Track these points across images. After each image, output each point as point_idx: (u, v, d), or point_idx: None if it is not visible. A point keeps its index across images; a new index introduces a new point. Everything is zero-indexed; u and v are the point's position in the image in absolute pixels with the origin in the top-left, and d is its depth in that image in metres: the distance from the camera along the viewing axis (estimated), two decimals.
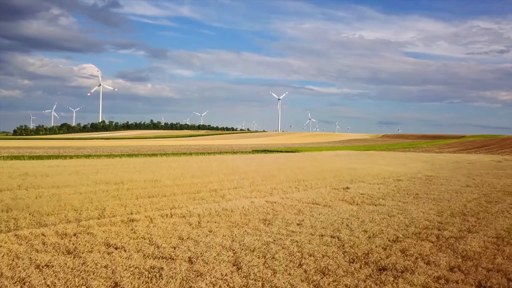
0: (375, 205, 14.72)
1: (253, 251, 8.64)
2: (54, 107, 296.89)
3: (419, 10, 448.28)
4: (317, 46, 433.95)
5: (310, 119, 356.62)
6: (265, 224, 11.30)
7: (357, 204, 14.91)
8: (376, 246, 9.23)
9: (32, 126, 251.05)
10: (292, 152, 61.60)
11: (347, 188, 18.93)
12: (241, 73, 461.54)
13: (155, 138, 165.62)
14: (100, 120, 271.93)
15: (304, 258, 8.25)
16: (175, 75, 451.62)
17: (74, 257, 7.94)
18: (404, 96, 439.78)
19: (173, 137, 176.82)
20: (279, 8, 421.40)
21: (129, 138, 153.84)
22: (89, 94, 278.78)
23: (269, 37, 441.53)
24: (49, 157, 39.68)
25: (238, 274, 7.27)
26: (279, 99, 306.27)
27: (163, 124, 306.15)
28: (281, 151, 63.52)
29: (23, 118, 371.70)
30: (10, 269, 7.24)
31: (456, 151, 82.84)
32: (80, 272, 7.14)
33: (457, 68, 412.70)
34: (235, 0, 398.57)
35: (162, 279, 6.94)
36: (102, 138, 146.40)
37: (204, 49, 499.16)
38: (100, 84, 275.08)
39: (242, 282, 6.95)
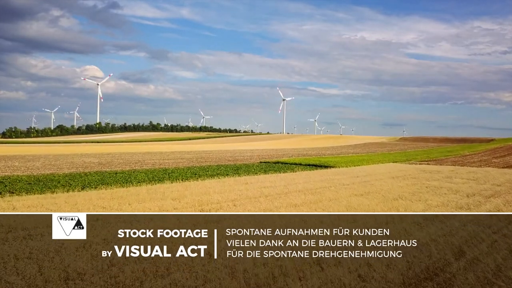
0: None
1: None
2: (55, 109, 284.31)
3: (419, 11, 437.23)
4: (319, 47, 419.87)
5: (315, 120, 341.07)
6: None
7: None
8: None
9: (32, 127, 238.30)
10: (321, 167, 43.79)
11: None
12: (243, 74, 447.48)
13: (151, 141, 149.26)
14: (97, 122, 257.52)
15: None
16: (177, 76, 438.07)
17: None
18: (407, 98, 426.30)
19: (170, 140, 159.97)
20: (279, 9, 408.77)
21: (120, 142, 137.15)
22: (101, 99, 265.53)
23: (270, 39, 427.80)
24: None
25: None
26: (284, 99, 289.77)
27: (162, 126, 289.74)
28: (301, 164, 45.86)
29: (26, 119, 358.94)
30: None
31: None
32: None
33: (459, 69, 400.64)
34: (235, 1, 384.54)
35: None
36: (87, 142, 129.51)
37: (205, 50, 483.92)
38: (98, 84, 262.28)
39: None
